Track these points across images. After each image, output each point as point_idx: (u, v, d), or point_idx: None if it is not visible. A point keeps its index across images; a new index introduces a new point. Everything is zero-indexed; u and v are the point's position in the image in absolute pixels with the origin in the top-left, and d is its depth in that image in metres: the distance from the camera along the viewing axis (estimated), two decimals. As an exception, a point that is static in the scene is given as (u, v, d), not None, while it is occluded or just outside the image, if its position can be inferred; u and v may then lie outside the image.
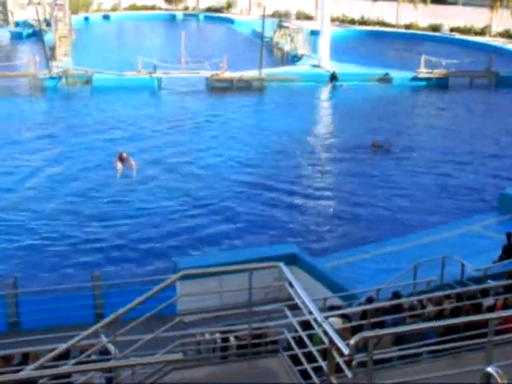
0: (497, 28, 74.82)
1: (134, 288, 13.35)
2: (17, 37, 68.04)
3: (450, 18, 79.13)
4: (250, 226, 21.39)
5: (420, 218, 22.80)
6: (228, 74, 46.05)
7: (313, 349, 7.15)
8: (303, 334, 7.41)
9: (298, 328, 7.58)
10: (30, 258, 18.60)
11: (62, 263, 18.50)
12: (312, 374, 7.09)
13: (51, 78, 44.69)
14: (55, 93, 43.76)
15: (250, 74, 46.52)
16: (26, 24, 70.73)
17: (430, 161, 30.35)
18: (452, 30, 77.68)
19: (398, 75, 49.11)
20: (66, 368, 7.21)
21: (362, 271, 17.33)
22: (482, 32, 75.49)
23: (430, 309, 10.85)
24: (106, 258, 18.84)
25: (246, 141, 32.48)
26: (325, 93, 46.71)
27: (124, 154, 25.67)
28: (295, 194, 24.82)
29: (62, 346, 7.34)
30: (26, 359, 9.07)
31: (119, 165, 25.47)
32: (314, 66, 50.62)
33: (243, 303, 8.17)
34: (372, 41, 69.73)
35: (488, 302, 10.30)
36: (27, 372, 6.87)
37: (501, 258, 16.73)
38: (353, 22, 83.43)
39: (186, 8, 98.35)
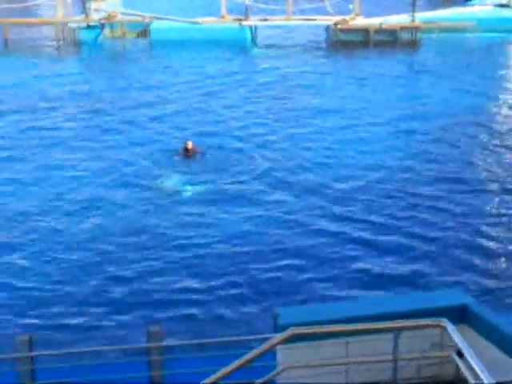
0: None
1: (211, 353, 9.36)
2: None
3: None
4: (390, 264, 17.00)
5: None
6: (361, 21, 40.08)
7: None
8: None
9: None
10: (47, 299, 15.40)
11: (98, 309, 15.11)
12: None
13: (89, 27, 39.34)
14: (94, 50, 38.65)
15: (397, 20, 40.46)
16: None
17: None
18: None
19: None
20: None
21: None
22: None
23: None
24: (166, 304, 15.36)
25: (382, 128, 26.64)
26: (521, 50, 40.74)
27: (190, 144, 22.51)
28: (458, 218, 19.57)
29: None
30: None
31: (185, 153, 22.50)
32: (501, 5, 43.17)
33: (382, 382, 7.76)
34: None
35: None
36: None
37: None
38: None
39: None
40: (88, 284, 16.50)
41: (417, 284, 17.35)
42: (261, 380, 7.04)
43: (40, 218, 19.44)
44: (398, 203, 20.67)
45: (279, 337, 6.82)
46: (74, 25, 38.55)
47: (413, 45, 39.16)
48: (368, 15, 40.28)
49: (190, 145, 22.33)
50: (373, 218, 19.70)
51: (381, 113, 27.76)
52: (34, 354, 11.17)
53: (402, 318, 7.32)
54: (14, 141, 24.44)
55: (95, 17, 38.82)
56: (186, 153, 22.51)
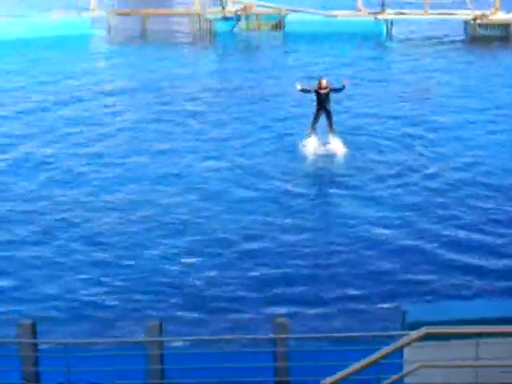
0: None
1: (338, 348, 10.19)
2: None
3: None
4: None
5: None
6: (502, 16, 38.07)
7: None
8: None
9: None
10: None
11: (225, 301, 15.14)
12: None
13: (225, 18, 39.36)
14: (229, 41, 38.96)
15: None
16: None
17: None
18: None
19: None
20: None
21: None
22: None
23: None
24: (290, 299, 15.33)
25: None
26: None
27: (324, 82, 21.45)
28: None
29: None
30: None
31: (318, 91, 21.53)
32: None
33: None
34: None
35: None
36: None
37: None
38: None
39: None
40: (213, 275, 16.37)
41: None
42: (395, 376, 6.83)
43: (163, 192, 19.21)
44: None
45: (413, 336, 6.48)
46: (210, 16, 38.38)
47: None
48: (508, 10, 37.60)
49: (324, 82, 21.46)
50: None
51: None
52: (164, 339, 11.50)
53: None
54: (144, 130, 24.24)
55: (231, 8, 38.52)
56: (320, 90, 21.66)
